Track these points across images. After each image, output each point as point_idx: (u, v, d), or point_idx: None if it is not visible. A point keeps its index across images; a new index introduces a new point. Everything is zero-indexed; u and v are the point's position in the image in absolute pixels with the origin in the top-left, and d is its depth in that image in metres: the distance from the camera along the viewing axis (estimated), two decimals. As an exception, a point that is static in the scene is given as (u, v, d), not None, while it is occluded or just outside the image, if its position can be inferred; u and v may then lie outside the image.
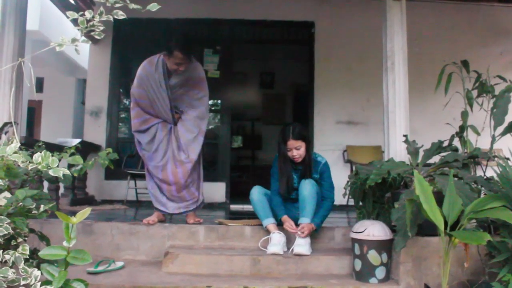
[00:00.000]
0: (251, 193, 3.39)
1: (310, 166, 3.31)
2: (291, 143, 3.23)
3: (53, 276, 1.55)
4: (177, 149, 3.53)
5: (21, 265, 1.64)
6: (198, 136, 3.59)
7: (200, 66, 3.66)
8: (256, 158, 9.51)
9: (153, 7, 1.73)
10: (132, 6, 1.74)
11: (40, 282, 1.57)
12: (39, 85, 8.60)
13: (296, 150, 3.24)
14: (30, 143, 3.62)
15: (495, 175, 2.72)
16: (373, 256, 2.76)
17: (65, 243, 1.54)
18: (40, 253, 1.52)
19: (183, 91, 3.56)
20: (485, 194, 2.74)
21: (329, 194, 3.33)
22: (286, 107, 9.49)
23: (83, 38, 1.93)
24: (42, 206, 1.93)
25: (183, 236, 3.37)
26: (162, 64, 3.48)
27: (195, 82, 3.59)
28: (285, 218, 3.24)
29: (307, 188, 3.17)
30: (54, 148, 3.66)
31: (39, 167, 1.69)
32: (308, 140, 3.31)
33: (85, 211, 1.55)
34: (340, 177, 4.05)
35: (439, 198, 2.41)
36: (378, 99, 3.69)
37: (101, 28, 1.94)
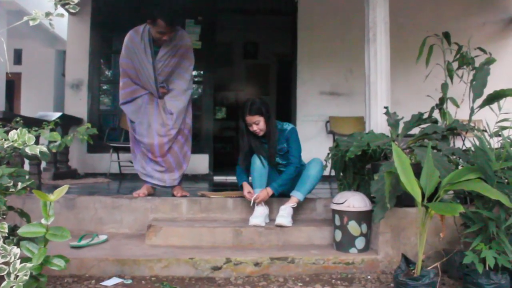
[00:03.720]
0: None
1: (274, 138, 3.34)
2: (249, 118, 3.28)
3: (33, 253, 1.55)
4: (163, 118, 3.51)
5: (0, 243, 1.64)
6: (188, 105, 3.62)
7: (186, 34, 3.65)
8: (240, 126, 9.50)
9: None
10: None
11: (19, 260, 1.57)
12: (18, 57, 8.40)
13: (256, 125, 3.29)
14: (9, 118, 3.57)
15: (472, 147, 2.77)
16: (353, 227, 2.82)
17: (43, 221, 1.54)
18: (18, 231, 1.51)
19: (174, 62, 3.54)
20: (462, 166, 2.79)
21: (293, 159, 3.35)
22: (269, 77, 9.44)
23: (58, 11, 1.88)
24: (19, 184, 1.91)
25: (166, 209, 3.39)
26: (148, 33, 3.46)
27: (184, 51, 3.58)
28: (244, 184, 3.34)
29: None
30: (34, 123, 3.62)
31: (15, 144, 1.67)
32: (268, 115, 3.31)
33: (62, 189, 1.54)
34: (322, 147, 4.09)
35: (418, 169, 2.45)
36: (361, 70, 3.68)
37: (76, 1, 1.89)
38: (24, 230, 1.52)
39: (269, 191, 3.24)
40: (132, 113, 3.54)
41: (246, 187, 3.30)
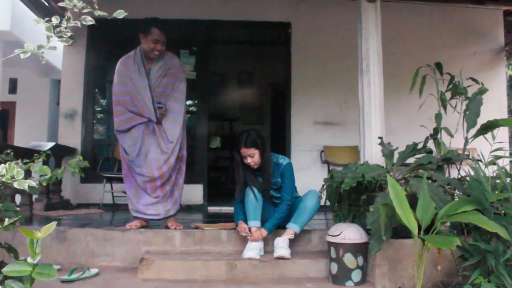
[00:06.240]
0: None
1: (268, 172, 3.29)
2: (244, 151, 3.24)
3: (18, 293, 1.50)
4: (162, 147, 3.49)
5: (-16, 282, 1.59)
6: (183, 127, 3.61)
7: (175, 55, 3.73)
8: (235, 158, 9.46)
9: (119, 14, 1.69)
10: (98, 13, 1.69)
11: (4, 299, 1.52)
12: (13, 86, 8.40)
13: (250, 157, 3.25)
14: (1, 148, 3.53)
15: (468, 177, 2.76)
16: (349, 259, 2.77)
17: (29, 259, 1.49)
18: (3, 270, 1.46)
19: (166, 82, 3.56)
20: (458, 196, 2.77)
21: (286, 196, 3.29)
22: (264, 107, 9.47)
23: (51, 44, 1.88)
24: (6, 219, 1.86)
25: (159, 241, 3.33)
26: (140, 54, 3.53)
27: (176, 71, 3.62)
28: (239, 222, 3.27)
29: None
30: (26, 153, 3.58)
31: (3, 179, 1.63)
32: (263, 147, 3.27)
33: (50, 226, 1.50)
34: (317, 177, 4.07)
35: (414, 200, 2.43)
36: (355, 99, 3.70)
37: (69, 34, 1.89)
38: (9, 269, 1.47)
39: (263, 232, 3.19)
40: (129, 146, 3.51)
41: (242, 227, 3.23)
